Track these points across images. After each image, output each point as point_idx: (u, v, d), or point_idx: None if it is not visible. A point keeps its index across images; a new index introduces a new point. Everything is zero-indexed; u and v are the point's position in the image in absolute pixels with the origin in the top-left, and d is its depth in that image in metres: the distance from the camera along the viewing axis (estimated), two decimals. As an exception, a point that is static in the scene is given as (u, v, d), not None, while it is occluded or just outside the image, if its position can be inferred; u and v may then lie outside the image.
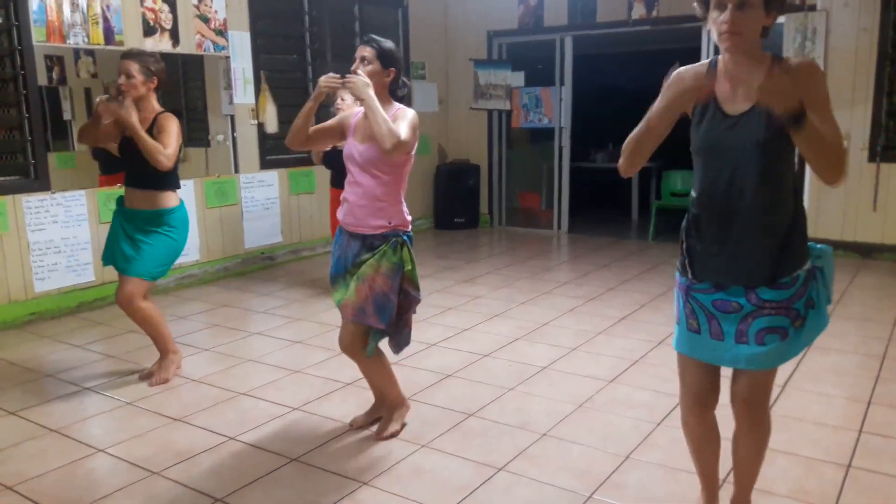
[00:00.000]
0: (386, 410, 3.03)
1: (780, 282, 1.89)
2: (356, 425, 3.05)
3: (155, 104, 3.50)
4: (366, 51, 2.77)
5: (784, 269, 1.89)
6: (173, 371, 3.66)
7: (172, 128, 3.42)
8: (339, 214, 2.84)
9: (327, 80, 2.73)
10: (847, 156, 1.90)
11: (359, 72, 2.70)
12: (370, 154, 2.71)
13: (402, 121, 2.68)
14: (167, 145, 3.37)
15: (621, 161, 2.04)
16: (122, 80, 3.39)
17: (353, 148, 2.78)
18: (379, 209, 2.74)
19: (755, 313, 1.90)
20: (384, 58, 2.77)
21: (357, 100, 2.74)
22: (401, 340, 2.93)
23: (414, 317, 2.96)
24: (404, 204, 2.83)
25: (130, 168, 3.50)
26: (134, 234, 3.49)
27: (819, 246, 2.01)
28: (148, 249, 3.46)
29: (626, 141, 2.00)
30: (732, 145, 1.85)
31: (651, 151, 2.00)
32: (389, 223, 2.75)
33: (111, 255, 3.57)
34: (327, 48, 6.88)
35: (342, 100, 4.62)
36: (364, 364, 2.95)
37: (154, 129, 3.41)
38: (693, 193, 2.00)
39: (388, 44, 2.82)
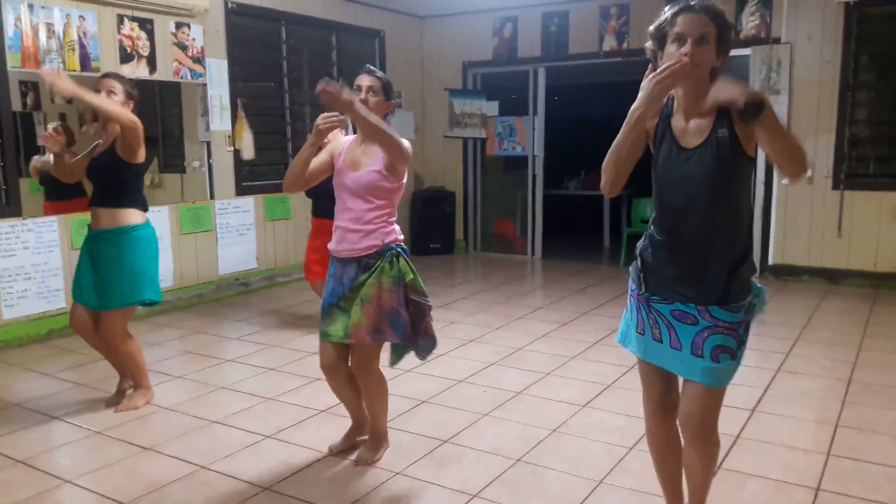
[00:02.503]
0: (371, 437, 3.02)
1: (732, 304, 1.99)
2: (335, 450, 3.03)
3: None
4: (373, 81, 2.80)
5: (733, 294, 1.99)
6: (143, 403, 3.60)
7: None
8: (332, 244, 2.83)
9: (326, 119, 2.70)
10: (807, 168, 1.97)
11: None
12: (365, 180, 2.74)
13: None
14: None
15: (603, 180, 2.05)
16: (103, 96, 3.34)
17: (344, 177, 2.79)
18: (370, 232, 2.76)
19: (710, 329, 1.99)
20: (387, 90, 2.84)
21: (358, 123, 2.71)
22: (426, 345, 2.89)
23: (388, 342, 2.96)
24: (396, 226, 2.86)
25: (97, 187, 3.45)
26: (100, 261, 3.40)
27: (759, 285, 2.10)
28: (115, 276, 3.38)
29: (606, 158, 2.03)
30: (688, 177, 1.96)
31: (630, 161, 2.00)
32: (382, 241, 2.77)
33: (79, 289, 3.48)
34: (304, 76, 6.94)
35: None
36: (371, 385, 2.90)
37: (117, 146, 3.39)
38: (652, 214, 2.12)
39: (387, 78, 2.89)
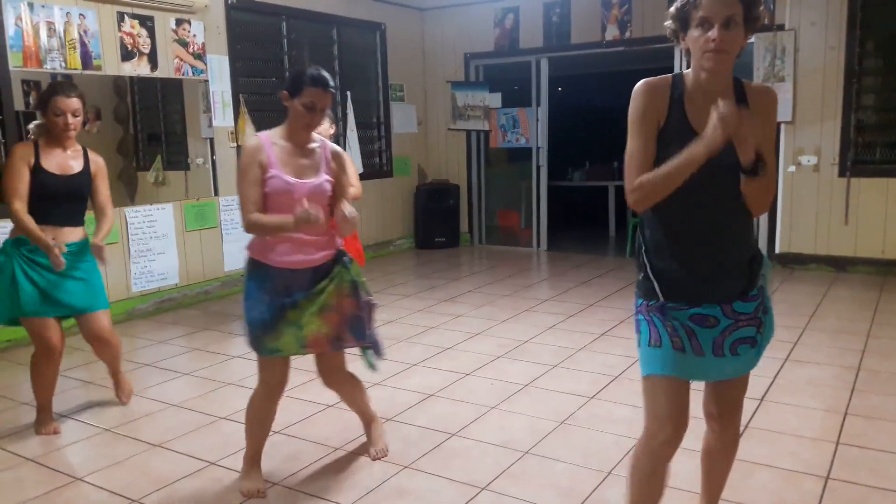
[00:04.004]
0: (369, 427, 3.03)
1: (751, 294, 1.93)
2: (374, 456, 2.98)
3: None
4: (330, 97, 2.61)
5: (753, 282, 1.93)
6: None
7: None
8: (278, 256, 2.58)
9: (317, 218, 2.45)
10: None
11: (346, 210, 2.58)
12: (322, 189, 2.62)
13: (351, 168, 2.73)
14: (106, 198, 3.36)
15: (638, 197, 1.85)
16: (65, 119, 3.12)
17: (297, 187, 2.55)
18: (328, 240, 2.67)
19: (731, 327, 1.90)
20: (290, 88, 2.60)
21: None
22: (379, 348, 2.84)
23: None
24: None
25: (70, 206, 3.25)
26: (73, 270, 3.24)
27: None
28: (97, 277, 3.35)
29: (650, 179, 1.81)
30: (707, 167, 1.76)
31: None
32: (335, 248, 2.70)
33: (50, 303, 3.20)
34: (306, 71, 6.91)
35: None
36: (348, 389, 2.92)
37: (93, 168, 3.30)
38: (650, 214, 1.92)
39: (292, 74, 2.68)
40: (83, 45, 4.96)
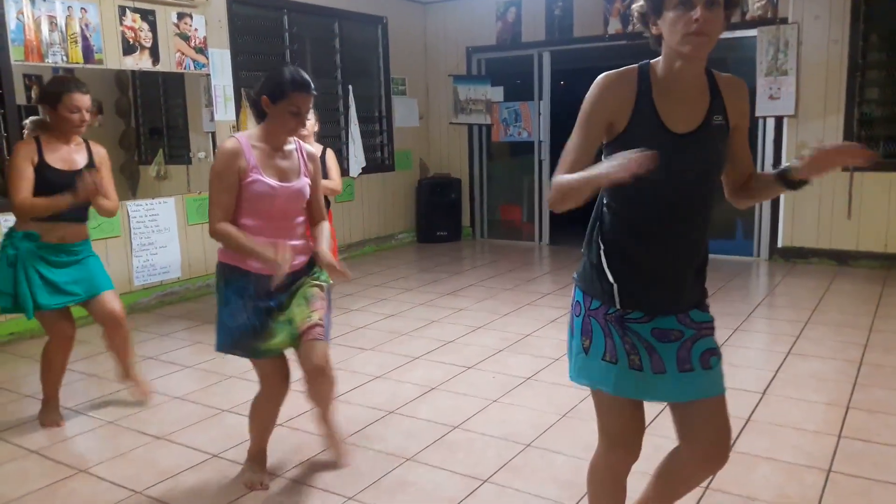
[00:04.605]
0: (331, 438, 2.87)
1: (705, 303, 1.81)
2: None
3: None
4: (311, 101, 2.54)
5: (705, 291, 1.82)
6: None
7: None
8: (257, 262, 2.46)
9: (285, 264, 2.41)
10: None
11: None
12: (305, 192, 2.58)
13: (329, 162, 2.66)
14: (111, 188, 3.32)
15: (553, 200, 1.69)
16: (81, 116, 3.13)
17: (277, 189, 2.49)
18: (306, 244, 2.64)
19: (694, 337, 1.75)
20: (268, 93, 2.50)
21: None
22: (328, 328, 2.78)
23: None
24: None
25: (78, 203, 3.18)
26: (73, 261, 3.28)
27: None
28: (96, 263, 3.37)
29: (560, 181, 1.66)
30: (679, 168, 1.63)
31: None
32: (311, 250, 2.66)
33: (55, 293, 3.20)
34: (308, 65, 6.91)
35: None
36: (332, 386, 2.75)
37: (97, 160, 3.29)
38: (614, 206, 1.76)
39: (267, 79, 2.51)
40: (85, 39, 4.95)
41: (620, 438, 1.85)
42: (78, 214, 3.26)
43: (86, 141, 3.32)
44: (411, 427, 3.18)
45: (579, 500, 2.53)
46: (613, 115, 1.68)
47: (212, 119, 5.89)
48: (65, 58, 4.85)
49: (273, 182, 2.49)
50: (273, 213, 2.51)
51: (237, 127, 6.09)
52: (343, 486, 2.68)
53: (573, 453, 2.88)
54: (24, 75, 4.93)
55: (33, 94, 5.05)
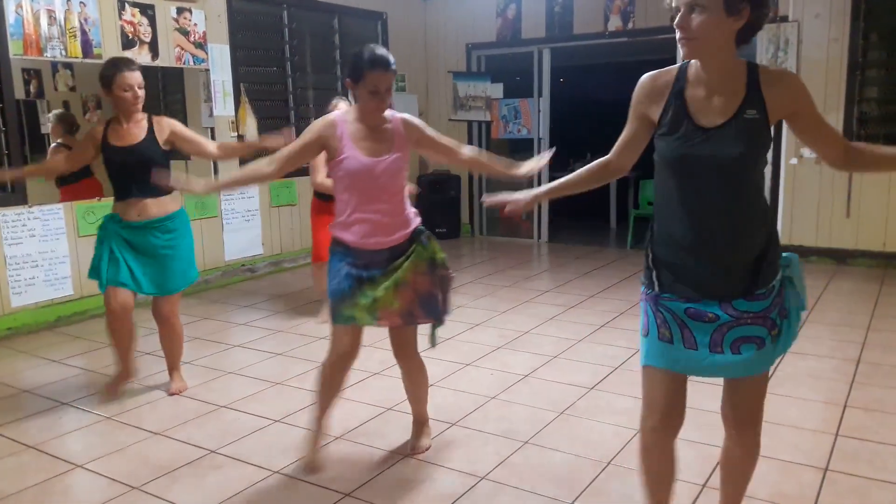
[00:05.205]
0: (418, 424, 3.00)
1: (757, 293, 1.82)
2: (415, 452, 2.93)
3: None
4: (392, 79, 2.58)
5: (759, 282, 1.83)
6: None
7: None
8: (353, 237, 2.61)
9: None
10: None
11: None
12: (397, 165, 2.61)
13: (433, 133, 2.73)
14: (201, 140, 3.62)
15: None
16: (134, 93, 3.31)
17: (368, 164, 2.56)
18: (403, 220, 2.69)
19: (731, 324, 1.82)
20: (351, 74, 2.60)
21: None
22: (447, 310, 2.84)
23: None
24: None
25: (140, 178, 3.29)
26: (153, 249, 3.41)
27: (786, 254, 1.93)
28: (174, 260, 3.47)
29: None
30: (707, 160, 1.75)
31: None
32: (412, 227, 2.72)
33: (130, 276, 3.38)
34: (307, 60, 6.90)
35: (336, 108, 4.68)
36: (414, 369, 2.87)
37: (170, 132, 3.44)
38: (658, 201, 1.92)
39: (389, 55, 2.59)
40: (84, 33, 4.94)
41: (653, 408, 1.96)
42: (144, 190, 3.35)
43: (149, 116, 3.44)
44: (409, 424, 3.17)
45: (577, 497, 2.53)
46: (647, 108, 1.88)
47: (211, 114, 5.88)
48: (63, 52, 4.83)
49: (363, 158, 2.56)
50: (366, 188, 2.58)
51: (236, 122, 6.08)
52: (341, 483, 2.68)
53: (571, 451, 2.88)
54: (23, 69, 4.92)
55: (32, 89, 5.04)
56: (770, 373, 3.68)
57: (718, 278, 1.82)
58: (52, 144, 5.12)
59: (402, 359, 2.87)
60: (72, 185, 4.97)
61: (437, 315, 2.75)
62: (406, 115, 2.71)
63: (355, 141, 2.58)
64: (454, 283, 2.87)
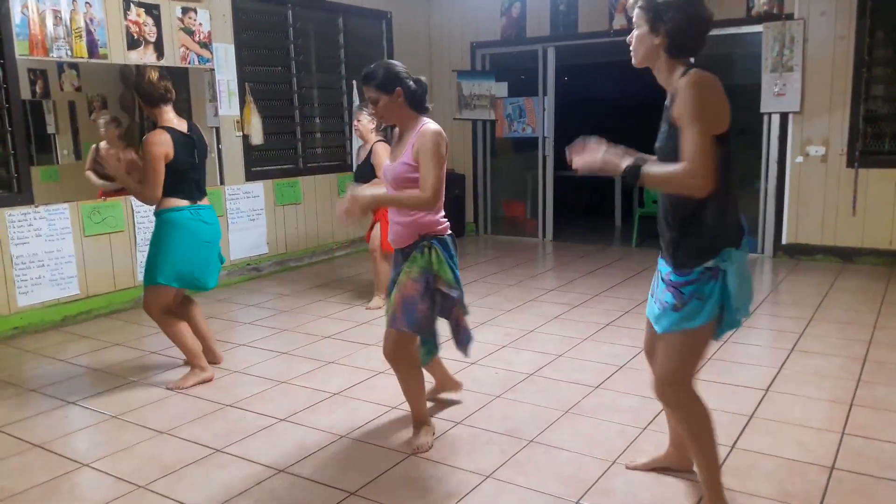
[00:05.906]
0: (414, 423, 3.03)
1: (678, 268, 2.17)
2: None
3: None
4: (369, 91, 2.79)
5: (681, 257, 2.16)
6: (192, 384, 3.69)
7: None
8: (389, 237, 2.95)
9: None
10: (699, 174, 1.96)
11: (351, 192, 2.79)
12: (397, 171, 2.80)
13: (423, 158, 2.69)
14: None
15: (703, 182, 1.97)
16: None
17: (386, 167, 2.90)
18: (409, 224, 2.81)
19: (665, 285, 2.24)
20: (383, 85, 2.76)
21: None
22: (462, 339, 2.99)
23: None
24: (440, 213, 2.85)
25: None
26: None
27: (734, 251, 2.11)
28: (148, 253, 3.69)
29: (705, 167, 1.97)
30: (657, 150, 2.20)
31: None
32: (418, 233, 2.82)
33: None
34: (312, 60, 6.91)
35: (358, 121, 4.85)
36: (399, 371, 2.94)
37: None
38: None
39: (378, 69, 2.78)
40: (89, 33, 4.95)
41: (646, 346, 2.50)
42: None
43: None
44: (414, 422, 3.18)
45: (582, 496, 2.53)
46: None
47: (216, 114, 5.89)
48: (69, 52, 4.85)
49: (387, 162, 2.92)
50: (387, 189, 2.88)
51: (241, 122, 6.09)
52: (346, 482, 2.68)
53: (576, 449, 2.88)
54: (29, 69, 4.94)
55: (38, 89, 5.06)
56: (776, 371, 3.68)
57: (663, 249, 2.27)
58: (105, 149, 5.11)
59: (389, 360, 2.94)
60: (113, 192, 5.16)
61: (412, 324, 2.77)
62: (428, 127, 2.77)
63: (393, 146, 2.95)
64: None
